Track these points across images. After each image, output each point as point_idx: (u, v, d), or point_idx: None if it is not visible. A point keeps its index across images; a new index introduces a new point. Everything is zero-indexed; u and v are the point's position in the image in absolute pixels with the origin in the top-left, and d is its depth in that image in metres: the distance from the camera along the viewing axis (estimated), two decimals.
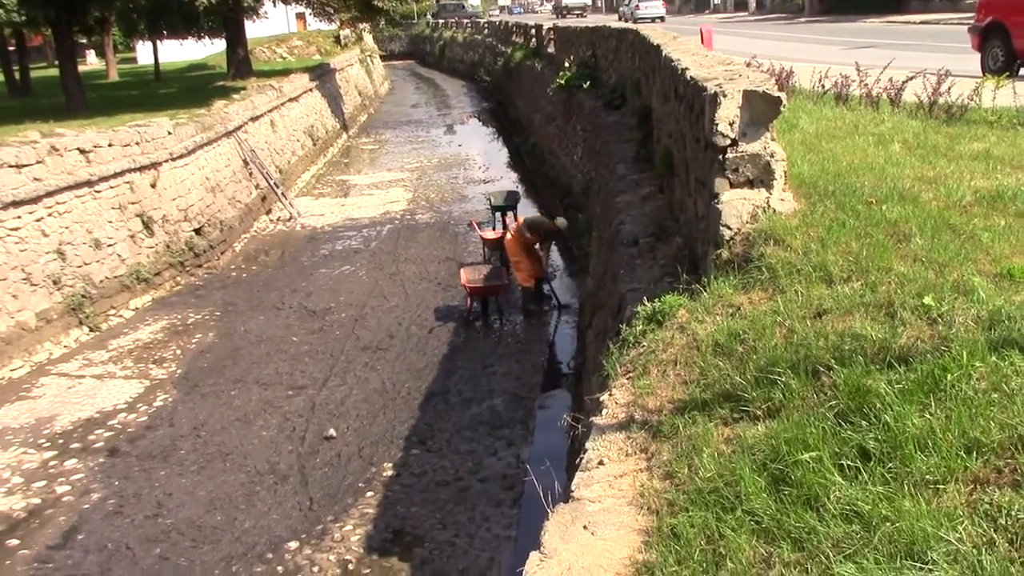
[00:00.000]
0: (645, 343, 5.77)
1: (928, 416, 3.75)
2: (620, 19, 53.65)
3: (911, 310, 4.69)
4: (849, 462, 3.66)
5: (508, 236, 16.17)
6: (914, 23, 37.98)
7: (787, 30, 41.96)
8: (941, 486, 3.39)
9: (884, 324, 4.63)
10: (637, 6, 57.20)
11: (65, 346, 14.73)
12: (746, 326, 5.13)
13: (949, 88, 10.98)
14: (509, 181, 27.07)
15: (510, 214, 20.18)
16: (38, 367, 13.97)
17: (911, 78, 11.66)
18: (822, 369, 4.34)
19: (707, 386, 4.76)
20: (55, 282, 14.86)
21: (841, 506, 3.42)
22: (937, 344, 4.30)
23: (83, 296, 15.38)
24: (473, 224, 19.65)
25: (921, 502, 3.31)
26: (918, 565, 3.01)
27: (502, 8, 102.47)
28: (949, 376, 3.94)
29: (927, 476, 3.44)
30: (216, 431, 11.73)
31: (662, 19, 52.19)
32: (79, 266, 15.51)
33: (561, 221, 16.05)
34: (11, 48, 35.47)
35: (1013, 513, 3.15)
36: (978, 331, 4.34)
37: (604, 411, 5.14)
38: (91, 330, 15.36)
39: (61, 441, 11.67)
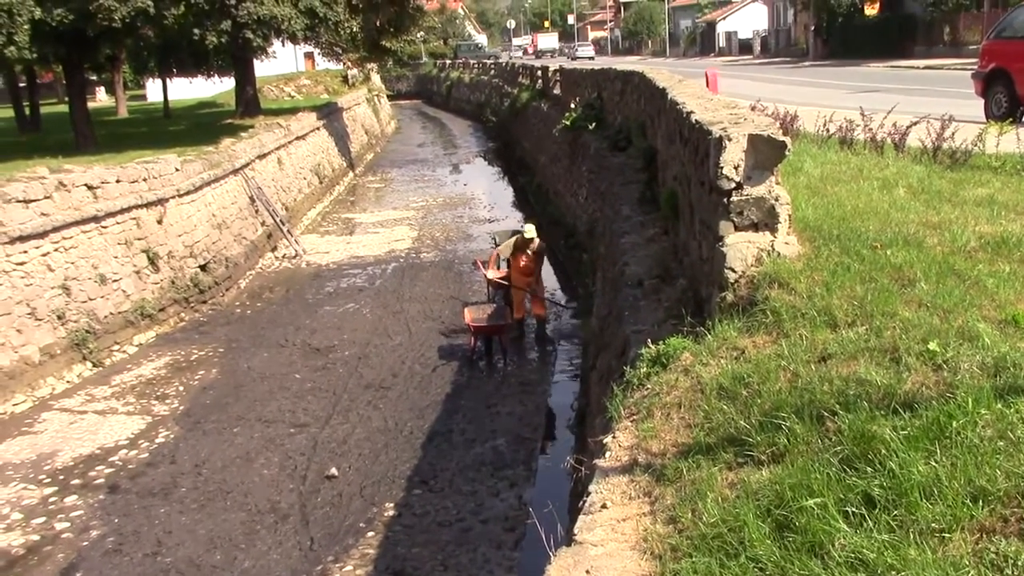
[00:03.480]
0: (649, 385, 5.75)
1: (933, 463, 3.72)
2: (567, 58, 74.84)
3: (916, 356, 4.67)
4: (854, 509, 3.63)
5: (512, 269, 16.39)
6: (918, 68, 38.24)
7: (791, 74, 42.29)
8: (947, 535, 3.36)
9: (889, 370, 4.61)
10: (576, 48, 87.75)
11: (68, 381, 14.72)
12: (750, 370, 5.12)
13: (953, 133, 11.02)
14: (514, 221, 27.14)
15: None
16: (40, 402, 13.95)
17: (915, 123, 11.72)
18: (827, 414, 4.32)
19: (711, 430, 4.74)
20: (59, 317, 14.88)
21: (846, 554, 3.38)
22: (942, 391, 4.28)
23: (87, 331, 15.39)
24: (478, 263, 19.68)
25: (927, 551, 3.28)
26: None
27: (518, 48, 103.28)
28: (954, 423, 3.92)
29: (933, 524, 3.41)
30: (217, 469, 11.68)
31: (592, 59, 72.72)
32: (84, 301, 15.54)
33: (529, 227, 16.45)
34: (22, 84, 35.80)
35: (1020, 563, 3.12)
36: (983, 378, 4.32)
37: (607, 453, 5.11)
38: (94, 365, 15.36)
39: (62, 477, 11.62)
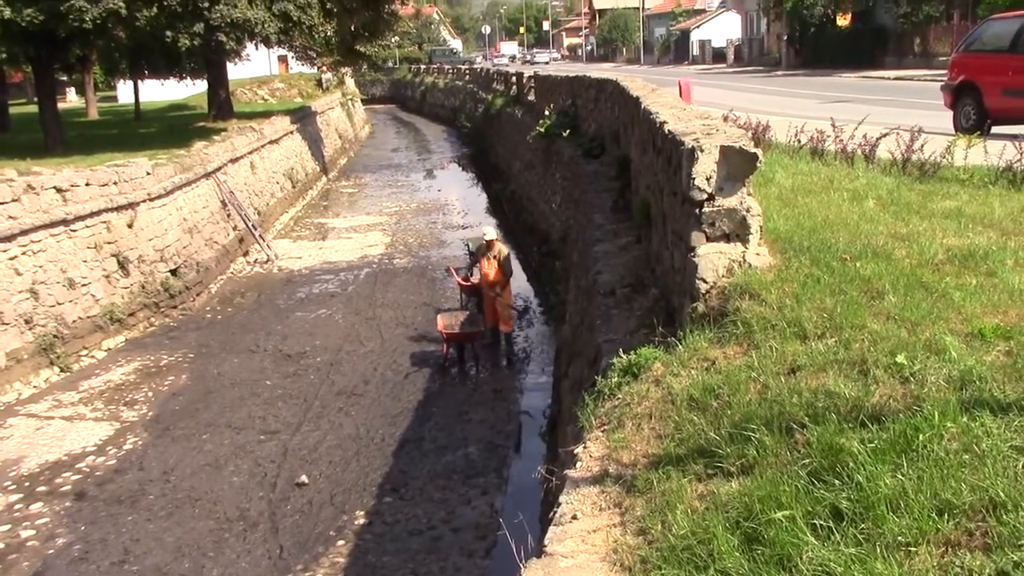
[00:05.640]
0: (620, 396, 5.76)
1: (900, 476, 3.75)
2: (522, 62, 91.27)
3: (884, 368, 4.71)
4: (822, 522, 3.64)
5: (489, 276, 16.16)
6: (888, 79, 38.61)
7: (764, 83, 42.58)
8: (913, 548, 3.38)
9: (857, 382, 4.65)
10: (535, 55, 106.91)
11: (35, 386, 14.54)
12: (721, 381, 5.13)
13: (922, 145, 11.12)
14: (488, 227, 27.11)
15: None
16: (7, 407, 13.76)
17: (885, 135, 11.80)
18: (795, 426, 4.34)
19: (681, 441, 4.75)
20: (27, 321, 14.70)
21: (813, 567, 3.40)
22: (909, 403, 4.31)
23: (55, 336, 15.22)
24: (451, 270, 19.66)
25: (893, 564, 3.30)
26: None
27: (512, 58, 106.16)
28: (921, 436, 3.95)
29: (899, 538, 3.44)
30: (186, 476, 11.58)
31: (547, 63, 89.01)
32: (52, 306, 15.37)
33: (488, 229, 16.71)
34: None
35: None
36: (950, 391, 4.36)
37: (578, 464, 5.11)
38: (62, 370, 15.18)
39: (27, 484, 11.48)
